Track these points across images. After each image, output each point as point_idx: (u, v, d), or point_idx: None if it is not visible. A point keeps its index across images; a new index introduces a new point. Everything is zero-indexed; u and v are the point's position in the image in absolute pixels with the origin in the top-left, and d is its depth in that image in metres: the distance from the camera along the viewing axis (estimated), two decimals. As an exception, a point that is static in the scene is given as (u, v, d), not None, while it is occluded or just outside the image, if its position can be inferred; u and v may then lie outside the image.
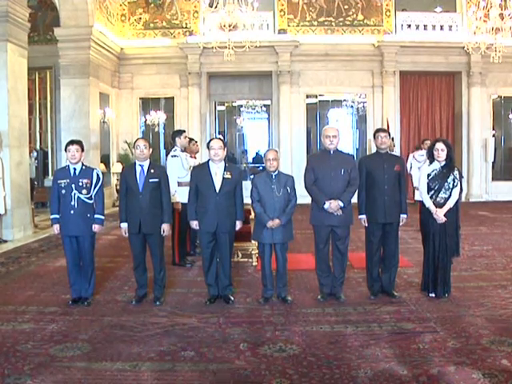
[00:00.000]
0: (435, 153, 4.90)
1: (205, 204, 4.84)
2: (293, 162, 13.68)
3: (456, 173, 4.94)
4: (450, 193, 4.90)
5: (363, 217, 5.01)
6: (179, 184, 6.39)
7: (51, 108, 13.92)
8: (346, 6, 13.90)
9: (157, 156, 13.64)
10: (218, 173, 4.85)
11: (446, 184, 4.88)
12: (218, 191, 4.80)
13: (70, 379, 3.29)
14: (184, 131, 6.97)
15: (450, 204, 4.89)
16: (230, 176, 4.85)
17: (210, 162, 4.90)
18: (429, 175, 4.95)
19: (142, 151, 4.89)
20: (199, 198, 4.88)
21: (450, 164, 4.92)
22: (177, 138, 6.67)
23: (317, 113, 14.53)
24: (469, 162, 14.09)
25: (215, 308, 4.77)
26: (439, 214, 4.85)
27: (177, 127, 13.04)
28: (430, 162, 4.98)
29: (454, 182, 4.90)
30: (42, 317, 4.52)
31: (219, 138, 5.83)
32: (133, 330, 4.19)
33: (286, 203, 4.84)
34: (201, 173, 4.92)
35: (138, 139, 5.10)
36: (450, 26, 13.88)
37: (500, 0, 9.92)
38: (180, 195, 6.26)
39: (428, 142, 7.74)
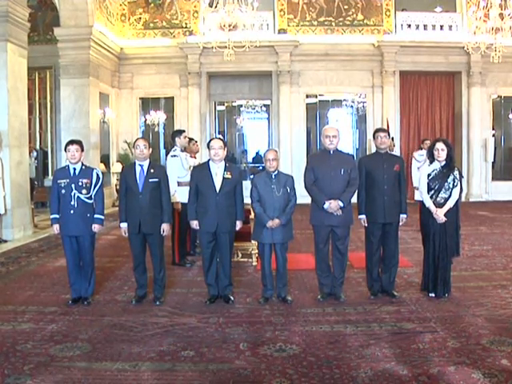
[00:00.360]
0: (435, 153, 4.89)
1: (205, 204, 4.83)
2: (293, 161, 13.69)
3: (456, 173, 4.93)
4: (450, 193, 4.90)
5: (363, 217, 5.00)
6: (179, 184, 6.39)
7: (51, 108, 13.93)
8: (345, 6, 13.91)
9: (157, 156, 13.66)
10: (218, 173, 4.84)
11: (446, 184, 4.88)
12: (218, 191, 4.80)
13: (70, 379, 3.29)
14: (184, 131, 6.97)
15: (450, 204, 4.89)
16: (230, 176, 4.85)
17: (210, 161, 4.90)
18: (429, 175, 4.94)
19: (142, 151, 4.89)
20: (199, 198, 4.88)
21: (450, 164, 4.91)
22: (177, 138, 6.67)
23: (317, 113, 14.53)
24: (469, 162, 14.10)
25: (215, 308, 4.76)
26: (439, 214, 4.84)
27: (177, 127, 13.04)
28: (430, 162, 4.97)
29: (454, 181, 4.89)
30: (42, 317, 4.51)
31: (219, 138, 5.82)
32: (133, 329, 4.19)
33: (286, 203, 4.84)
34: (201, 173, 4.91)
35: (137, 139, 5.10)
36: (450, 26, 13.88)
37: (500, 0, 9.92)
38: (180, 195, 6.26)
39: (428, 142, 7.74)
